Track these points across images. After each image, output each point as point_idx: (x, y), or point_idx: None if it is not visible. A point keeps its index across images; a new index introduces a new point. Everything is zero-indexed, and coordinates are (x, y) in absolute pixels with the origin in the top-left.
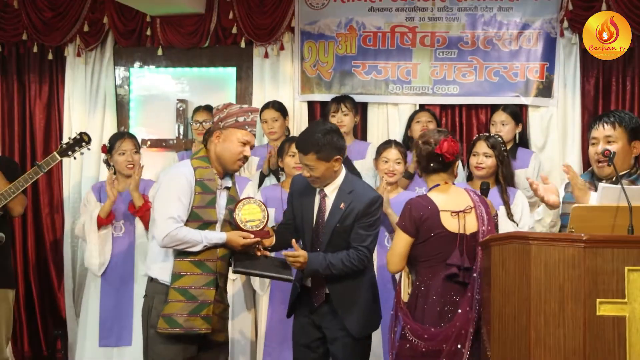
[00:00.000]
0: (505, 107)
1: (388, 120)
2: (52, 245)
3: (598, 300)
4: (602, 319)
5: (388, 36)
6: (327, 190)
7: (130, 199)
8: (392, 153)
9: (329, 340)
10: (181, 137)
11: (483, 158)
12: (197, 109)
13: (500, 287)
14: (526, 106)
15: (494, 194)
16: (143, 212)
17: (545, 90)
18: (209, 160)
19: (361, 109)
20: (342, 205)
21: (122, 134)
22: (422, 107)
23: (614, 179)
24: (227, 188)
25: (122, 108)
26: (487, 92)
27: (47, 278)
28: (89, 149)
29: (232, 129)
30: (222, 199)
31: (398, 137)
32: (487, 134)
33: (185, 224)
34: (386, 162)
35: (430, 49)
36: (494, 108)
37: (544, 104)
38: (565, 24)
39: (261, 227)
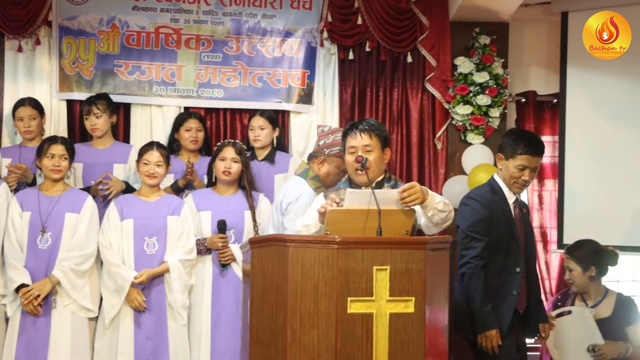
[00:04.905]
0: (263, 112)
1: (152, 122)
2: None
3: (349, 298)
4: (352, 316)
5: (152, 37)
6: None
7: None
8: (154, 155)
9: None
10: None
11: (231, 163)
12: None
13: (259, 288)
14: (288, 112)
15: (239, 198)
16: None
17: (306, 97)
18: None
19: (124, 110)
20: None
21: None
22: (188, 111)
23: (374, 184)
24: None
25: None
26: (251, 96)
27: None
28: None
29: (335, 157)
30: None
31: (162, 139)
32: (234, 140)
33: None
34: (146, 164)
35: (195, 52)
36: (256, 113)
37: (304, 110)
38: (325, 34)
39: None
